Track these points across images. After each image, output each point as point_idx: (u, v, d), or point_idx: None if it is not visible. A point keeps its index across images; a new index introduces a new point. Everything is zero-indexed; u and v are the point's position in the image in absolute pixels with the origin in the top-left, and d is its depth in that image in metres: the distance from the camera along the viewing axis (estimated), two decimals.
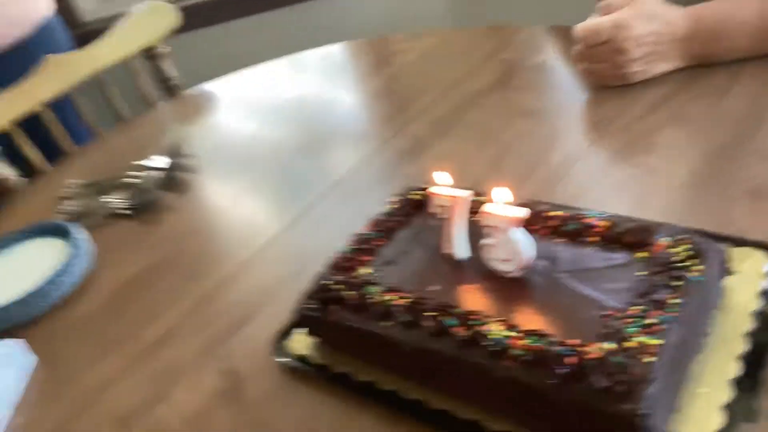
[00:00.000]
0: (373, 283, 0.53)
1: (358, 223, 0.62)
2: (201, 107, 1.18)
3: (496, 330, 0.46)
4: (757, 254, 0.56)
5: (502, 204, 0.51)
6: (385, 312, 0.51)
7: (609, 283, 0.50)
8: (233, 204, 0.88)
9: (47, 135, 1.20)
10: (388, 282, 0.53)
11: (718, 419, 0.44)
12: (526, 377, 0.44)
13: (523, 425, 0.47)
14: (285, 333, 0.60)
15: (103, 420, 0.60)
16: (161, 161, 0.95)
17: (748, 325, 0.50)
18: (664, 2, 0.82)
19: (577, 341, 0.44)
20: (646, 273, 0.49)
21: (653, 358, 0.43)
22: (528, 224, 0.53)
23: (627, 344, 0.43)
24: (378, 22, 1.94)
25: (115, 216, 0.88)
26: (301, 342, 0.58)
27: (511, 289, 0.51)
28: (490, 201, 0.53)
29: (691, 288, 0.48)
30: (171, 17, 1.29)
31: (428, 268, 0.55)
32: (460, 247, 0.55)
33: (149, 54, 1.31)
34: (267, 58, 1.25)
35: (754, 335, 0.49)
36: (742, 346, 0.49)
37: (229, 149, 1.00)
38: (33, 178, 1.11)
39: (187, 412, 0.58)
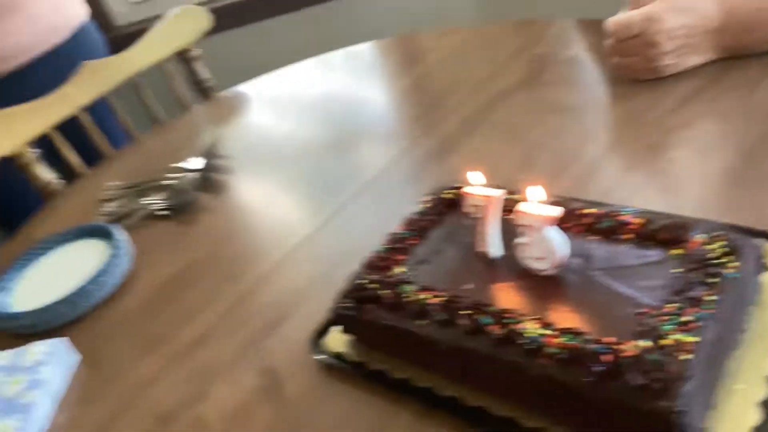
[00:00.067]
0: (408, 282, 0.54)
1: (390, 222, 0.62)
2: (234, 109, 1.20)
3: (531, 328, 0.47)
4: None
5: (536, 202, 0.51)
6: (421, 310, 0.51)
7: (644, 280, 0.50)
8: (267, 204, 0.89)
9: (85, 138, 1.22)
10: (422, 281, 0.54)
11: (755, 416, 0.44)
12: (561, 375, 0.45)
13: (558, 422, 0.47)
14: (321, 331, 0.61)
15: (144, 418, 0.61)
16: (197, 163, 0.96)
17: None
18: None
19: (613, 339, 0.44)
20: (681, 270, 0.49)
21: (689, 356, 0.43)
22: (562, 222, 0.53)
23: (663, 342, 0.44)
24: (406, 19, 1.95)
25: (152, 217, 0.90)
26: (338, 340, 0.59)
27: (545, 287, 0.52)
28: (523, 199, 0.53)
29: (727, 285, 0.47)
30: (203, 20, 1.31)
31: (462, 267, 0.56)
32: (494, 245, 0.55)
33: (183, 57, 1.33)
34: (296, 58, 1.26)
35: None
36: None
37: (262, 150, 1.01)
38: (72, 181, 1.14)
39: (227, 409, 0.59)
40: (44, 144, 1.16)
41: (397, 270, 0.57)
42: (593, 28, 1.00)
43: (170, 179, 0.95)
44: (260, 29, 1.95)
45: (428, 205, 0.63)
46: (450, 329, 0.50)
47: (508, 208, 0.57)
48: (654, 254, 0.52)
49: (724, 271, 0.48)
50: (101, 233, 0.84)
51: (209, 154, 0.97)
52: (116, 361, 0.69)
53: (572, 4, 1.12)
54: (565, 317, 0.49)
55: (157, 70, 1.30)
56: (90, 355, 0.71)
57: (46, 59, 1.29)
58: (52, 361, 0.67)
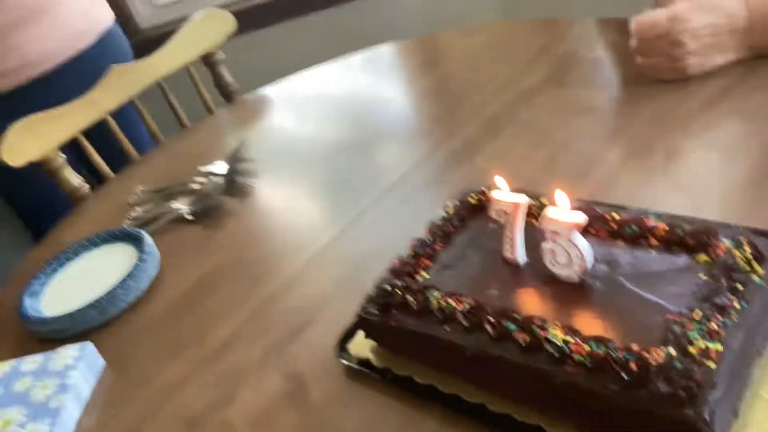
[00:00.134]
0: (433, 288, 0.54)
1: (414, 225, 0.63)
2: (258, 112, 1.21)
3: (557, 335, 0.46)
4: None
5: (562, 208, 0.51)
6: (446, 316, 0.52)
7: (670, 287, 0.50)
8: (291, 208, 0.90)
9: (111, 142, 1.24)
10: (447, 286, 0.54)
11: None
12: (587, 383, 0.44)
13: (584, 430, 0.47)
14: (346, 336, 0.62)
15: (171, 422, 0.62)
16: (222, 167, 0.97)
17: None
18: None
19: (639, 346, 0.44)
20: (707, 277, 0.49)
21: (716, 364, 0.42)
22: (587, 227, 0.53)
23: (689, 349, 0.43)
24: (427, 19, 1.94)
25: (179, 221, 0.91)
26: (363, 345, 0.60)
27: (571, 293, 0.52)
28: (548, 204, 0.53)
29: (753, 291, 0.47)
30: (228, 23, 1.32)
31: (487, 273, 0.56)
32: (519, 251, 0.55)
33: (207, 60, 1.34)
34: (317, 59, 1.27)
35: None
36: None
37: (285, 153, 1.02)
38: (99, 186, 1.15)
39: (252, 414, 0.60)
40: (71, 149, 1.18)
41: (423, 275, 0.57)
42: (616, 27, 1.00)
43: (196, 183, 0.96)
44: (281, 31, 1.96)
45: (452, 209, 0.63)
46: (476, 335, 0.50)
47: (533, 212, 0.58)
48: (680, 260, 0.52)
49: (751, 278, 0.48)
50: (129, 238, 0.86)
51: (234, 158, 0.98)
52: (143, 365, 0.70)
53: (594, 3, 1.12)
54: (591, 324, 0.49)
55: (181, 73, 1.31)
56: (117, 359, 0.72)
57: (71, 64, 1.31)
58: (81, 366, 0.68)
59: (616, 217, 0.56)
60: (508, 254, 0.55)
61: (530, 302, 0.52)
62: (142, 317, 0.77)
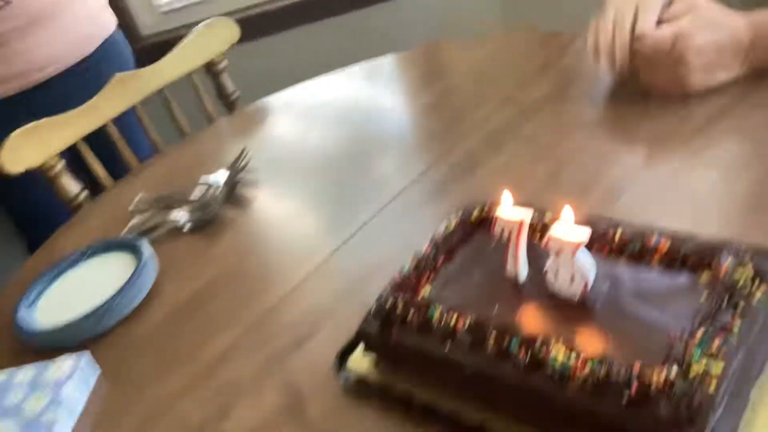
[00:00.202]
0: (435, 304, 0.53)
1: (415, 239, 0.62)
2: (259, 122, 1.20)
3: (559, 355, 0.46)
4: None
5: (565, 226, 0.51)
6: (447, 334, 0.51)
7: (672, 306, 0.50)
8: (292, 219, 0.89)
9: (111, 150, 1.24)
10: (449, 303, 0.54)
11: None
12: (589, 403, 0.44)
13: None
14: (346, 351, 0.61)
15: None
16: (222, 176, 0.97)
17: None
18: (724, 9, 0.80)
19: (641, 367, 0.44)
20: (709, 296, 0.49)
21: (717, 385, 0.42)
22: (589, 244, 0.52)
23: (691, 370, 0.43)
24: (431, 29, 1.95)
25: (177, 231, 0.90)
26: (362, 360, 0.59)
27: (573, 311, 0.51)
28: (551, 221, 0.52)
29: (754, 311, 0.47)
30: (233, 31, 1.32)
31: (489, 289, 0.56)
32: (521, 268, 0.55)
33: (209, 68, 1.34)
34: (320, 68, 1.27)
35: None
36: None
37: (286, 164, 1.02)
38: (98, 193, 1.15)
39: (250, 428, 0.59)
40: (70, 155, 1.18)
41: (424, 291, 0.57)
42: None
43: (195, 193, 0.96)
44: (285, 39, 1.97)
45: (454, 224, 0.63)
46: (477, 354, 0.49)
47: (536, 229, 0.57)
48: (682, 278, 0.52)
49: (752, 298, 0.48)
50: (127, 247, 0.85)
51: (234, 167, 0.98)
52: (139, 377, 0.69)
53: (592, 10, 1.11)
54: (593, 343, 0.48)
55: (183, 81, 1.31)
56: (113, 370, 0.71)
57: (75, 70, 1.31)
58: (75, 377, 0.68)
59: (619, 234, 0.55)
60: (510, 271, 0.55)
61: (532, 320, 0.52)
62: (139, 328, 0.76)
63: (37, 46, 1.25)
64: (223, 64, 1.35)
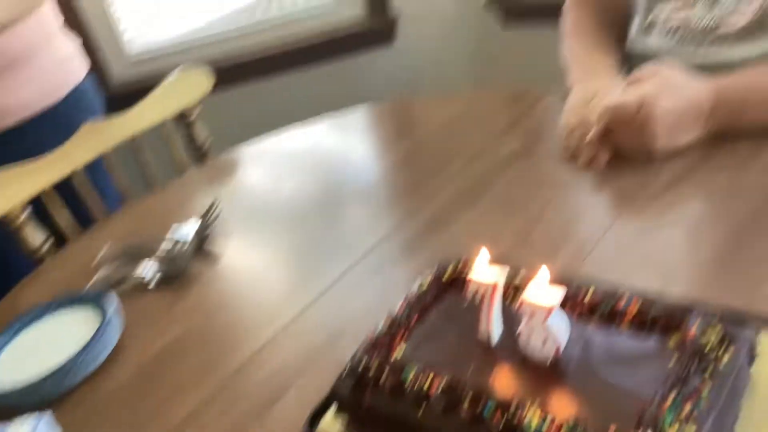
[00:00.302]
0: (409, 366, 0.53)
1: (388, 295, 0.62)
2: (231, 172, 1.20)
3: (533, 419, 0.46)
4: None
5: (538, 288, 0.51)
6: (421, 396, 0.51)
7: (643, 369, 0.50)
8: (262, 274, 0.89)
9: (78, 199, 1.22)
10: (422, 364, 0.53)
11: None
12: None
13: None
14: (318, 412, 0.60)
15: None
16: (192, 228, 0.96)
17: None
18: (686, 75, 0.83)
19: (616, 431, 0.44)
20: (678, 360, 0.49)
21: None
22: (561, 304, 0.53)
23: None
24: (401, 83, 1.99)
25: (144, 285, 0.89)
26: (334, 422, 0.58)
27: (546, 375, 0.51)
28: (524, 283, 0.53)
29: (722, 375, 0.48)
30: (206, 81, 1.33)
31: (463, 351, 0.55)
32: (494, 330, 0.55)
33: (182, 118, 1.34)
34: (291, 119, 1.28)
35: None
36: None
37: (257, 216, 1.01)
38: (63, 243, 1.13)
39: None
40: (35, 203, 1.16)
41: (397, 352, 0.56)
42: None
43: (163, 245, 0.94)
44: (258, 89, 1.99)
45: (428, 282, 0.63)
46: (451, 418, 0.49)
47: (509, 290, 0.58)
48: (651, 342, 0.53)
49: (720, 362, 0.49)
50: (92, 301, 0.83)
51: (204, 219, 0.97)
52: None
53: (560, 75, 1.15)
54: (566, 407, 0.48)
55: (155, 129, 1.31)
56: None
57: (45, 116, 1.30)
58: None
59: (589, 296, 0.56)
60: (483, 333, 0.55)
61: (506, 383, 0.52)
62: (104, 386, 0.74)
63: (7, 91, 1.24)
64: (196, 113, 1.35)
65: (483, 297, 0.54)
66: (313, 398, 0.61)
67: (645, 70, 0.85)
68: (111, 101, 1.49)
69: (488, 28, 1.91)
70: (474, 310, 0.56)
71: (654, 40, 0.99)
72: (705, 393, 0.46)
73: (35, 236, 1.11)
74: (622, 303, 0.55)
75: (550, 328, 0.50)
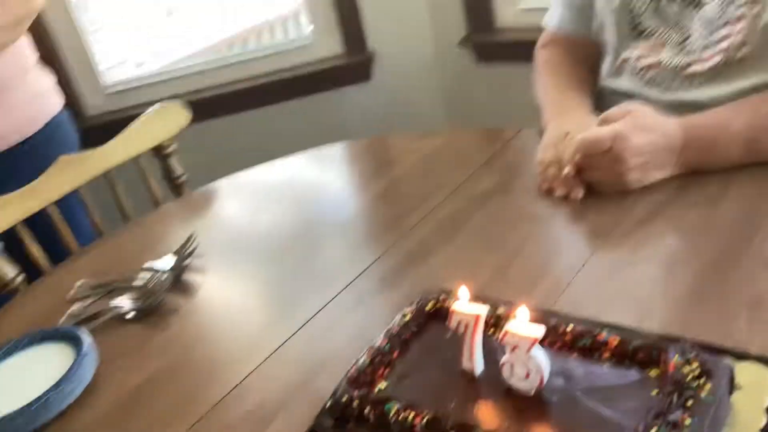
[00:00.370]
0: (391, 400, 0.53)
1: (369, 328, 0.62)
2: (208, 206, 1.20)
3: None
4: (760, 368, 0.56)
5: (522, 322, 0.52)
6: (404, 431, 0.51)
7: (624, 401, 0.51)
8: (240, 307, 0.88)
9: (51, 232, 1.21)
10: (405, 398, 0.53)
11: None
12: None
13: None
14: None
15: None
16: (168, 262, 0.95)
17: None
18: (657, 113, 0.86)
19: None
20: (659, 392, 0.50)
21: None
22: (542, 338, 0.53)
23: None
24: (377, 121, 2.01)
25: (120, 319, 0.88)
26: None
27: (528, 407, 0.52)
28: (505, 315, 0.54)
29: (702, 407, 0.49)
30: (182, 116, 1.33)
31: (445, 384, 0.56)
32: (477, 363, 0.55)
33: (158, 152, 1.34)
34: (267, 153, 1.28)
35: None
36: None
37: (235, 250, 1.01)
38: (35, 277, 1.11)
39: None
40: (6, 236, 1.14)
41: (379, 386, 0.56)
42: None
43: (139, 279, 0.93)
44: (235, 122, 2.00)
45: (409, 316, 0.63)
46: None
47: (491, 323, 0.58)
48: (632, 374, 0.53)
49: (700, 394, 0.50)
50: (65, 337, 0.82)
51: (181, 253, 0.96)
52: None
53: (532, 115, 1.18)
54: None
55: (130, 163, 1.30)
56: None
57: (18, 149, 1.29)
58: None
59: (570, 329, 0.57)
60: (466, 365, 0.55)
61: (489, 416, 0.52)
62: (78, 424, 0.72)
63: None
64: (172, 147, 1.35)
65: (466, 329, 0.55)
66: None
67: (617, 108, 0.87)
68: (86, 133, 1.49)
69: (463, 65, 1.95)
70: (456, 341, 0.56)
71: (624, 82, 1.02)
72: (687, 423, 0.47)
73: (7, 269, 1.09)
74: (602, 336, 0.56)
75: (533, 359, 0.51)
